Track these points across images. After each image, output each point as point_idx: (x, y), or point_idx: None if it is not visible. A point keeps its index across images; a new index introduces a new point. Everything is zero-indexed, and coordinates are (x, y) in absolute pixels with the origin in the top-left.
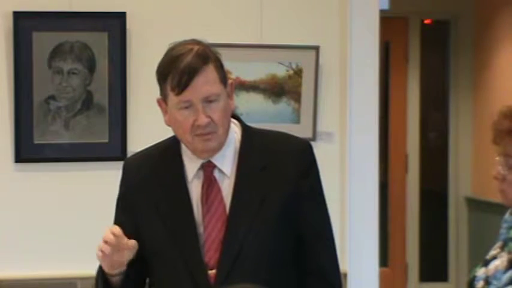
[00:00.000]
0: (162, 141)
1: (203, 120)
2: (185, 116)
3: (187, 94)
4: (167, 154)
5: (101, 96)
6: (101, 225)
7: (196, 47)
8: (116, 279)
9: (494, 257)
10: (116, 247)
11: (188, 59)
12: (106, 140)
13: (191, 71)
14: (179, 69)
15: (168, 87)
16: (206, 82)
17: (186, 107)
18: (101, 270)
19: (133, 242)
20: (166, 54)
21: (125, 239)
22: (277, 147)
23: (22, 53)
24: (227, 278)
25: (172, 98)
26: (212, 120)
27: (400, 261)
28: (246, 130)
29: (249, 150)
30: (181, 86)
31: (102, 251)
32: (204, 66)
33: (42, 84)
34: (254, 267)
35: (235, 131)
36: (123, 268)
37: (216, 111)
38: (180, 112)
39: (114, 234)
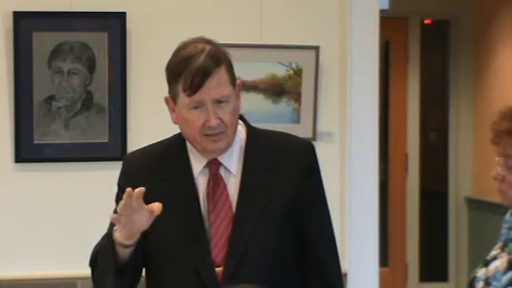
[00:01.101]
0: (165, 139)
1: (214, 121)
2: (195, 116)
3: (200, 95)
4: (172, 150)
5: (101, 96)
6: (101, 225)
7: (207, 47)
8: (127, 252)
9: (495, 258)
10: (133, 208)
11: (201, 60)
12: (106, 140)
13: (204, 73)
14: (192, 70)
15: (180, 88)
16: (218, 84)
17: (197, 107)
18: (109, 242)
19: (157, 205)
20: (176, 54)
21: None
22: (280, 147)
23: (22, 53)
24: (234, 276)
25: (183, 99)
26: (222, 121)
27: (400, 261)
28: (251, 130)
29: (254, 149)
30: (193, 88)
31: (120, 214)
32: (217, 68)
33: (42, 84)
34: (260, 266)
35: (240, 131)
36: (137, 237)
37: (226, 112)
38: (190, 112)
39: (130, 195)
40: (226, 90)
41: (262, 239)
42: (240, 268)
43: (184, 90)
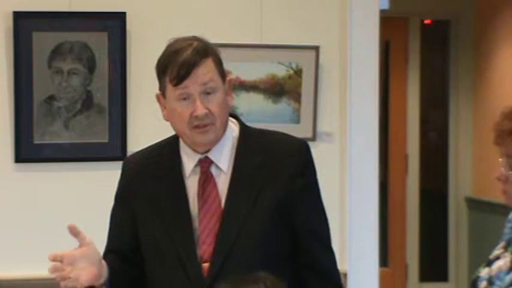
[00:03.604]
0: (161, 140)
1: (201, 110)
2: (183, 107)
3: (186, 85)
4: (165, 151)
5: (101, 96)
6: (101, 225)
7: (195, 43)
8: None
9: (498, 257)
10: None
11: (187, 52)
12: (106, 140)
13: (190, 63)
14: (178, 61)
15: (167, 79)
16: (204, 74)
17: (184, 99)
18: None
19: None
20: (165, 49)
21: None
22: (274, 146)
23: (22, 53)
24: (220, 272)
25: (171, 90)
26: (210, 111)
27: (400, 261)
28: (244, 129)
29: (246, 147)
30: (180, 77)
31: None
32: (203, 59)
33: (42, 84)
34: (247, 262)
35: (233, 129)
36: (105, 277)
37: (213, 103)
38: (178, 103)
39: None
40: (213, 80)
41: (249, 236)
42: (226, 265)
43: (171, 81)
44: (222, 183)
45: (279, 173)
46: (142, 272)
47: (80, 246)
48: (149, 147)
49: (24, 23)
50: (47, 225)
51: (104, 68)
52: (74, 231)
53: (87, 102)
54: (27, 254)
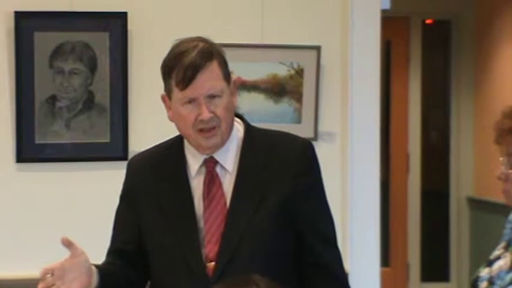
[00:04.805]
0: (166, 140)
1: (206, 115)
2: (189, 111)
3: (191, 89)
4: (171, 151)
5: (102, 96)
6: (102, 225)
7: (201, 44)
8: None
9: (498, 257)
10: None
11: (192, 55)
12: (107, 140)
13: (195, 67)
14: (183, 65)
15: (173, 83)
16: (210, 78)
17: (190, 102)
18: None
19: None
20: (171, 51)
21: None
22: (278, 146)
23: (23, 53)
24: (225, 271)
25: (176, 93)
26: (215, 115)
27: (401, 261)
28: (249, 129)
29: (251, 148)
30: (185, 82)
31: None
32: (208, 62)
33: (44, 84)
34: (252, 261)
35: (238, 129)
36: (94, 284)
37: (219, 106)
38: (183, 107)
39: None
40: (218, 84)
41: (254, 236)
42: (231, 264)
43: (177, 85)
44: (227, 183)
45: (283, 173)
46: (144, 273)
47: (71, 256)
48: (154, 147)
49: (26, 23)
50: (48, 225)
51: (105, 68)
52: (67, 243)
53: (89, 102)
54: (28, 254)
